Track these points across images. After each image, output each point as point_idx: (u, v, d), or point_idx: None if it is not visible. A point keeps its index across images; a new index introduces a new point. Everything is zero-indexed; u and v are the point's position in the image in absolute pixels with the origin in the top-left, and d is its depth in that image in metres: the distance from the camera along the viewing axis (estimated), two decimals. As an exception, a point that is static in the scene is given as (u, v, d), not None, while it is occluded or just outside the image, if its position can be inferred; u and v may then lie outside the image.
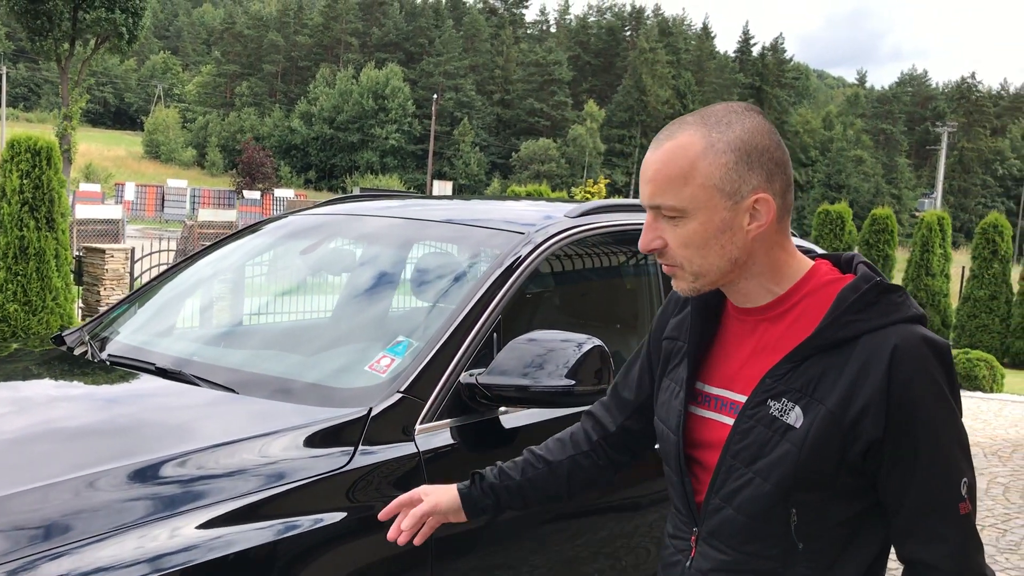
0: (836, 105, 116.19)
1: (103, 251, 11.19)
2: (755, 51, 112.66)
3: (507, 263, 2.52)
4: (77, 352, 2.74)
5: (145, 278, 11.90)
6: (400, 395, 2.18)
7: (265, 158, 56.55)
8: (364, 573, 1.95)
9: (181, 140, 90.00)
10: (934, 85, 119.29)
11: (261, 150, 58.68)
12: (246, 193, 48.16)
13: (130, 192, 44.02)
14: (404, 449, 2.11)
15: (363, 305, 2.77)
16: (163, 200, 44.97)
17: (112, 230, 20.25)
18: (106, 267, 11.11)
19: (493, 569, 2.25)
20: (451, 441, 2.21)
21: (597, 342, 2.26)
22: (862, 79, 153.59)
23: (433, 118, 60.91)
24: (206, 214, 23.55)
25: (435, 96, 67.62)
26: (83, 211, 20.48)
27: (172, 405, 2.23)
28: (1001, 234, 15.40)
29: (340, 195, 3.49)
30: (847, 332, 1.37)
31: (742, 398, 1.46)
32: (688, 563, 1.52)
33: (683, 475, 1.51)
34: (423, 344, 2.32)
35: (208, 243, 12.34)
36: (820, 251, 1.61)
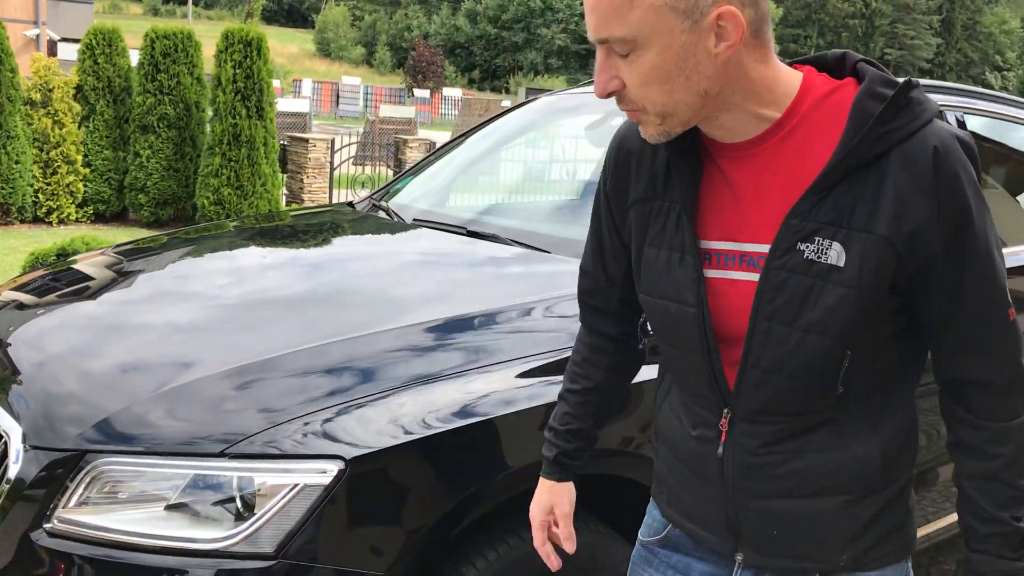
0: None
1: (306, 141, 11.70)
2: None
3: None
4: (380, 215, 2.94)
5: (343, 168, 12.38)
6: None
7: (435, 56, 57.05)
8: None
9: (350, 38, 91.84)
10: None
11: (431, 48, 59.20)
12: (416, 91, 48.88)
13: (307, 88, 45.41)
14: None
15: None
16: (338, 96, 46.23)
17: (300, 123, 21.05)
18: (309, 156, 11.63)
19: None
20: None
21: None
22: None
23: (601, 16, 59.52)
24: (386, 110, 24.13)
25: (603, -7, 65.81)
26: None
27: (500, 262, 2.37)
28: None
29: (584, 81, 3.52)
30: (880, 147, 1.18)
31: (759, 248, 1.25)
32: (720, 449, 1.34)
33: (710, 353, 1.30)
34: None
35: (398, 136, 12.58)
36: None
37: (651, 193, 1.35)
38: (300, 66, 73.04)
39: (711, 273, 1.29)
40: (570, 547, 1.55)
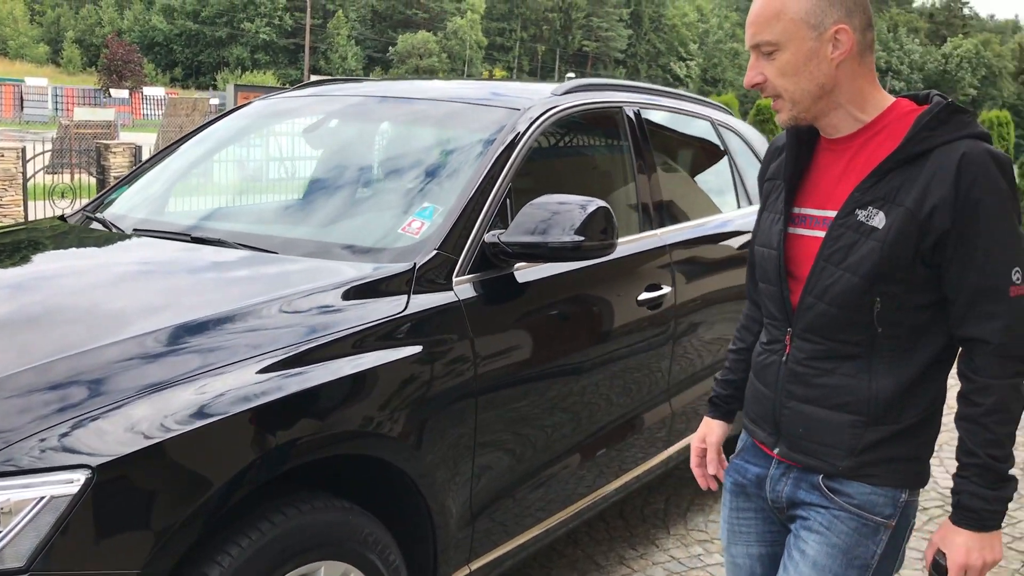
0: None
1: (-7, 150, 10.74)
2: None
3: (510, 137, 2.77)
4: (95, 226, 2.88)
5: (38, 179, 11.44)
6: (436, 252, 2.44)
7: (132, 54, 53.57)
8: (432, 396, 2.27)
9: (32, 35, 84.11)
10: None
11: (126, 45, 55.48)
12: (113, 92, 45.76)
13: (-16, 91, 41.18)
14: (447, 297, 2.39)
15: (378, 177, 2.98)
16: (22, 100, 42.26)
17: (-20, 131, 19.13)
18: (-3, 167, 10.69)
19: (519, 407, 2.57)
20: (476, 292, 2.50)
21: (602, 203, 2.56)
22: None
23: (308, 10, 58.69)
24: (82, 113, 22.45)
25: (308, -13, 64.94)
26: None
27: (228, 266, 2.43)
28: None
29: (313, 80, 3.64)
30: (923, 146, 1.62)
31: (832, 213, 1.70)
32: (783, 358, 1.78)
33: (783, 284, 1.77)
34: (448, 209, 2.57)
35: (99, 142, 11.83)
36: None
37: (775, 174, 1.86)
38: (-27, 67, 65.94)
39: (798, 230, 1.77)
40: (713, 469, 2.04)
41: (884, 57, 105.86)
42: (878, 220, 1.63)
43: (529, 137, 2.83)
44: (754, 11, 1.70)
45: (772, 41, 1.67)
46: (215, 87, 76.51)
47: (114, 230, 2.82)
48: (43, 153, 12.00)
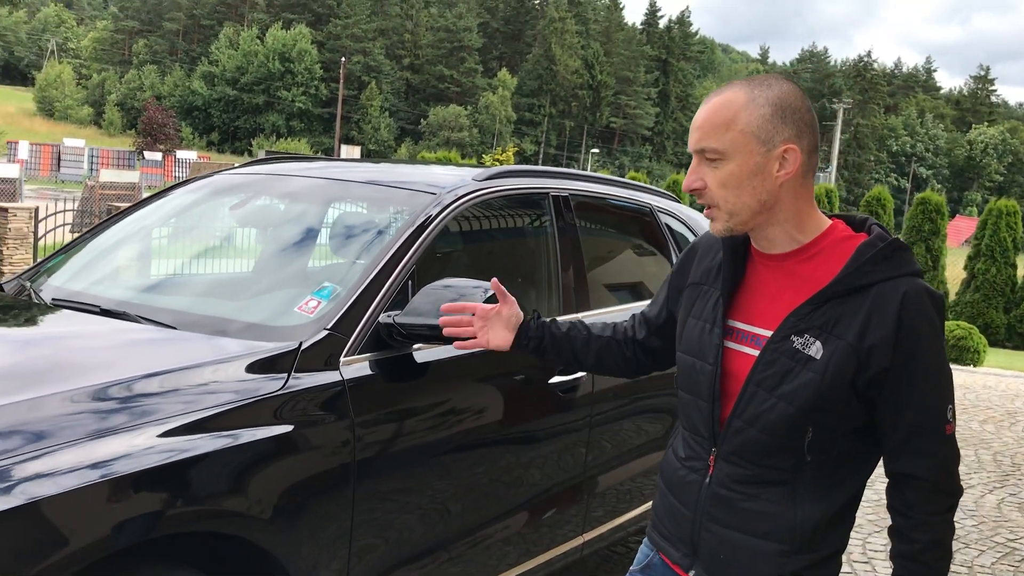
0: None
1: (6, 210, 11.03)
2: (662, 23, 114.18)
3: (420, 220, 2.85)
4: (22, 296, 2.97)
5: (50, 238, 11.74)
6: (327, 332, 2.50)
7: (168, 118, 55.02)
8: (303, 477, 2.29)
9: (77, 97, 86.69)
10: (833, 63, 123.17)
11: (163, 110, 57.02)
12: (147, 154, 46.88)
13: (23, 151, 42.34)
14: (330, 377, 2.44)
15: (289, 256, 3.07)
16: (59, 159, 43.38)
17: (8, 189, 19.72)
18: (9, 226, 10.97)
19: (407, 489, 2.60)
20: (370, 372, 2.54)
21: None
22: (764, 55, 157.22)
23: (341, 81, 60.11)
24: (108, 175, 23.02)
25: (343, 59, 66.67)
26: (-24, 169, 19.77)
27: (121, 339, 2.50)
28: (883, 207, 16.39)
29: (260, 156, 3.77)
30: (865, 280, 1.60)
31: (766, 332, 1.67)
32: (707, 480, 1.74)
33: (715, 401, 1.71)
34: (346, 289, 2.64)
35: (113, 204, 12.17)
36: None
37: (704, 280, 1.82)
38: (19, 127, 67.97)
39: (728, 344, 1.73)
40: (457, 344, 2.10)
41: (909, 142, 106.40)
42: (815, 350, 1.60)
43: (440, 221, 2.90)
44: (703, 115, 1.66)
45: (718, 150, 1.63)
46: (250, 152, 78.15)
47: (36, 300, 2.91)
48: (56, 213, 12.32)
